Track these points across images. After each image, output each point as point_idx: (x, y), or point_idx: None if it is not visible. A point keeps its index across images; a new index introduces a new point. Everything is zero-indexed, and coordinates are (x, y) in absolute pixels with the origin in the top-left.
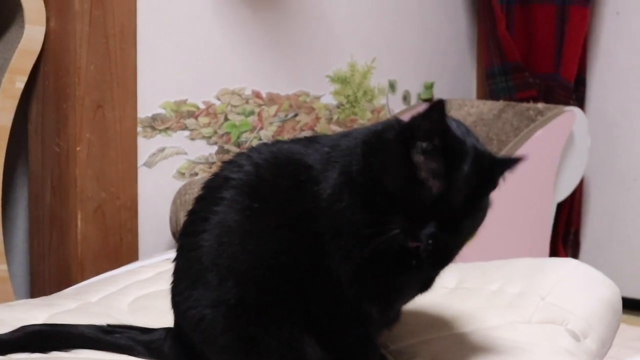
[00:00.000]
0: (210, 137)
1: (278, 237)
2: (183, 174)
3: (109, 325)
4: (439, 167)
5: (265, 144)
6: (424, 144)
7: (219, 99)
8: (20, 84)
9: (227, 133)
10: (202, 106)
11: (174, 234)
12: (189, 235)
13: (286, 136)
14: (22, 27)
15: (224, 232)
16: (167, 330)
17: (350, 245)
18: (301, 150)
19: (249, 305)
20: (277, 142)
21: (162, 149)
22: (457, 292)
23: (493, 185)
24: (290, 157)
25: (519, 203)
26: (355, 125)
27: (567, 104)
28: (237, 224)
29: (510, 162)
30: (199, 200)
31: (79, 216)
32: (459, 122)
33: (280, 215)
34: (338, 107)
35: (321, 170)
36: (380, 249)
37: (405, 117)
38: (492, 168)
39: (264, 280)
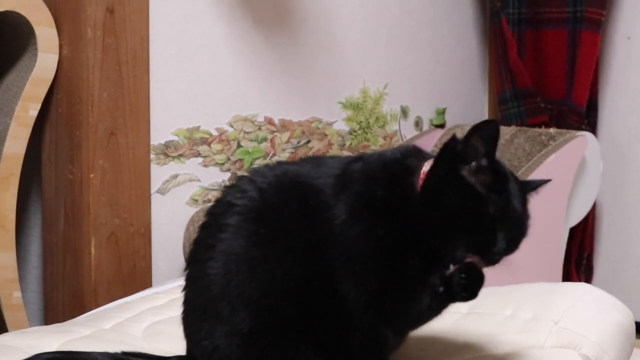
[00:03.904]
0: (223, 164)
1: (288, 262)
2: (196, 200)
3: (122, 353)
4: (492, 182)
5: (267, 167)
6: (474, 164)
7: (231, 126)
8: (33, 112)
9: (240, 160)
10: (214, 133)
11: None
12: (195, 264)
13: None
14: (35, 55)
15: (230, 259)
16: (179, 358)
17: (368, 269)
18: (307, 173)
19: (263, 333)
20: (279, 164)
21: (175, 176)
22: (470, 316)
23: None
24: (296, 181)
25: (531, 227)
26: (369, 152)
27: (579, 129)
28: (244, 250)
29: (535, 184)
30: (203, 228)
31: (93, 243)
32: None
33: (289, 240)
34: (350, 133)
35: (332, 195)
36: (406, 273)
37: (418, 143)
38: (521, 189)
39: (276, 308)
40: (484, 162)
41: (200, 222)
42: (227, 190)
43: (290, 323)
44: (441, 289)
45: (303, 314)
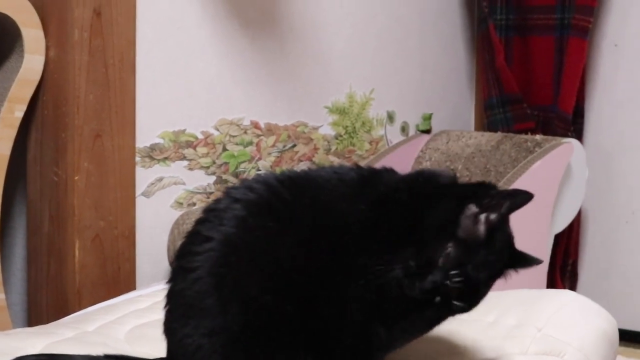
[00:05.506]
0: (208, 167)
1: (294, 255)
2: (181, 204)
3: (105, 356)
4: (478, 240)
5: (275, 173)
6: (484, 215)
7: (217, 129)
8: (19, 113)
9: (226, 163)
10: (200, 136)
11: (171, 264)
12: (186, 255)
13: (284, 167)
14: (22, 56)
15: (229, 252)
16: None
17: (365, 263)
18: (321, 175)
19: (254, 332)
20: (290, 170)
21: (160, 179)
22: (454, 323)
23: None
24: (310, 180)
25: (516, 234)
26: (354, 156)
27: (565, 135)
28: (246, 244)
29: (526, 262)
30: (200, 222)
31: (77, 245)
32: None
33: (298, 234)
34: (336, 137)
35: (349, 194)
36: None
37: (404, 148)
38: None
39: (273, 304)
40: (493, 217)
41: (196, 218)
42: (230, 190)
43: (286, 322)
44: (437, 298)
45: (300, 310)
